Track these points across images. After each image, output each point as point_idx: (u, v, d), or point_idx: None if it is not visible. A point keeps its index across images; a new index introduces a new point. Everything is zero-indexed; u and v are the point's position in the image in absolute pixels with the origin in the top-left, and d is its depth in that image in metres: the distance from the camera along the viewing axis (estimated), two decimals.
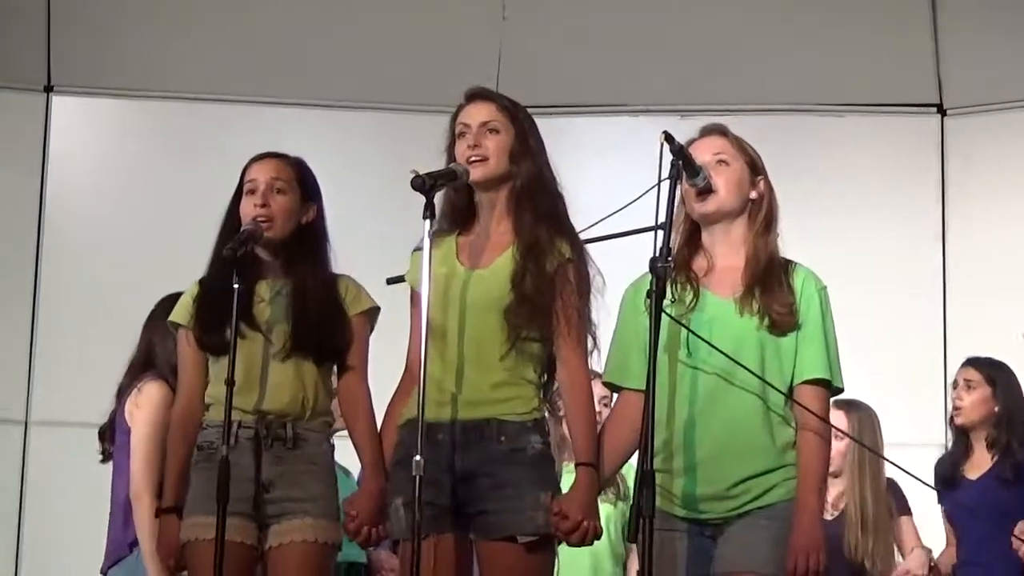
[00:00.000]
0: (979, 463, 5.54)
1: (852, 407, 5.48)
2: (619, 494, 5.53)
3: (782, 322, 3.79)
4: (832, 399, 3.90)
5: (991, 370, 5.56)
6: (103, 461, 4.93)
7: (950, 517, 5.61)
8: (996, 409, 5.50)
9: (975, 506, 5.40)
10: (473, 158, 3.86)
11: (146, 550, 4.50)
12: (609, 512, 5.32)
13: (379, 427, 4.04)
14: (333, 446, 4.26)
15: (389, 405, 3.99)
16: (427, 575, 3.65)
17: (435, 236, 3.84)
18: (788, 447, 3.79)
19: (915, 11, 7.45)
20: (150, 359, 4.82)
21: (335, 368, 4.22)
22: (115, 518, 4.81)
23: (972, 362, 5.63)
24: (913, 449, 5.87)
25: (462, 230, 3.96)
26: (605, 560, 5.53)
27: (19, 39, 7.61)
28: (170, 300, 4.80)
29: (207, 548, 3.97)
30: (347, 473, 5.01)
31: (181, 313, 4.23)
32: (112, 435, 4.85)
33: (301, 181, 4.24)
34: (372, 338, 4.24)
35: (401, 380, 3.97)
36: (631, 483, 5.47)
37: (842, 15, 7.52)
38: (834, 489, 5.46)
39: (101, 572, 4.83)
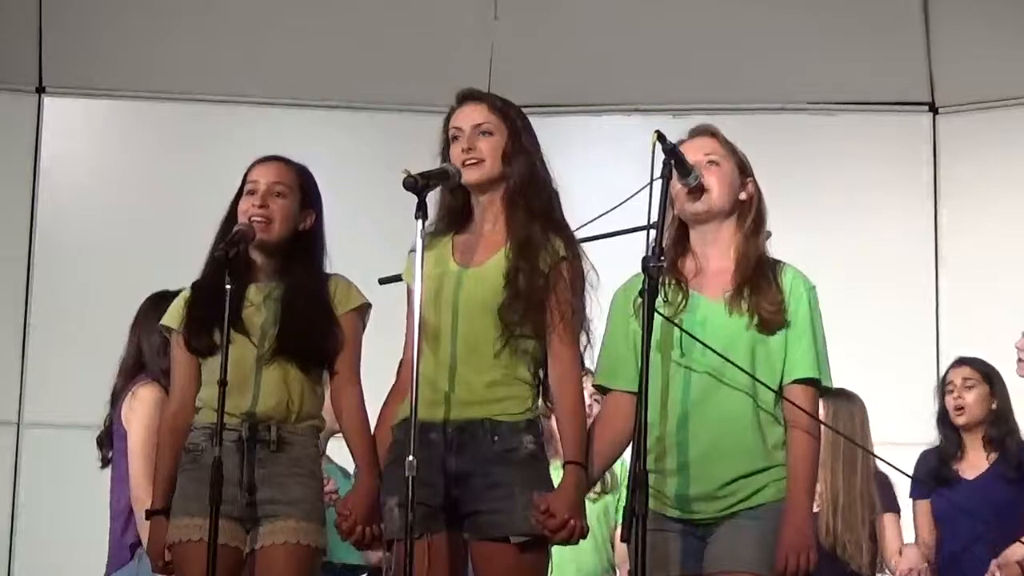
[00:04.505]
0: (975, 463, 5.54)
1: (829, 395, 5.49)
2: (604, 488, 5.54)
3: (771, 321, 3.79)
4: (834, 385, 3.90)
5: (985, 368, 5.58)
6: (103, 466, 4.92)
7: (938, 516, 5.60)
8: (994, 406, 5.52)
9: (973, 506, 5.39)
10: (468, 161, 3.86)
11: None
12: (588, 507, 5.30)
13: (373, 427, 4.04)
14: (321, 450, 4.24)
15: (383, 405, 3.99)
16: (421, 575, 3.65)
17: (431, 237, 3.85)
18: (778, 447, 3.79)
19: (907, 9, 7.46)
20: (140, 360, 4.82)
21: (326, 371, 4.20)
22: (115, 523, 4.80)
23: (965, 361, 5.65)
24: (906, 448, 5.87)
25: (458, 230, 3.96)
26: (588, 555, 5.52)
27: (10, 40, 7.61)
28: (155, 299, 4.81)
29: (191, 549, 3.98)
30: (347, 475, 5.00)
31: (173, 317, 4.22)
32: (110, 440, 4.84)
33: (302, 187, 4.23)
34: (366, 338, 4.22)
35: (396, 379, 3.97)
36: (621, 477, 5.52)
37: (834, 13, 7.53)
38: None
39: None
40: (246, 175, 4.23)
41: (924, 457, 5.67)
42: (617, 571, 5.75)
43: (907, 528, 5.76)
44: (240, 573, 4.09)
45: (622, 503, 5.68)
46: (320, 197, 4.28)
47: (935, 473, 5.56)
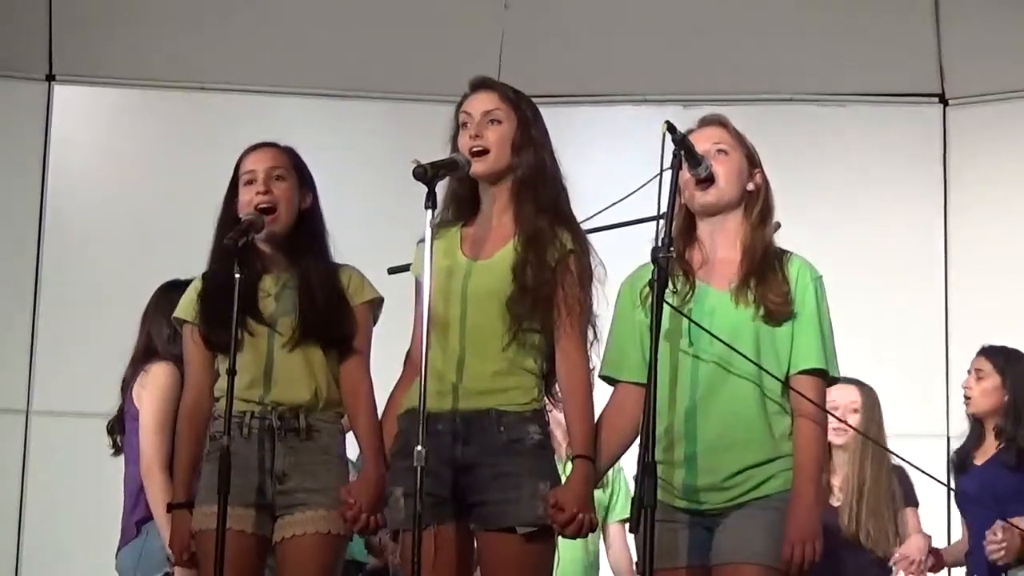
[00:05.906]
0: (987, 450, 5.56)
1: (863, 385, 5.52)
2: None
3: (777, 311, 3.79)
4: (841, 375, 3.90)
5: (1003, 360, 5.56)
6: (115, 454, 4.92)
7: (956, 501, 5.63)
8: (1005, 399, 5.52)
9: (977, 491, 5.43)
10: (475, 148, 3.86)
11: (161, 524, 4.50)
12: None
13: (380, 416, 4.04)
14: (345, 437, 4.25)
15: (391, 395, 4.00)
16: (428, 565, 3.66)
17: (439, 227, 3.86)
18: (785, 437, 3.79)
19: (918, 1, 7.44)
20: (151, 349, 4.83)
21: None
22: (127, 502, 4.82)
23: (985, 351, 5.64)
24: (915, 440, 5.87)
25: (467, 221, 3.95)
26: (572, 550, 5.43)
27: (21, 28, 7.62)
28: (165, 289, 4.82)
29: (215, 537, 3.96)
30: (355, 466, 5.00)
31: (186, 309, 4.21)
32: (122, 426, 4.85)
33: (296, 167, 4.24)
34: (375, 328, 4.22)
35: (403, 370, 3.98)
36: (612, 476, 5.51)
37: (844, 4, 7.52)
38: (841, 471, 5.49)
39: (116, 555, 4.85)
40: (239, 166, 4.22)
41: (956, 450, 5.72)
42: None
43: (931, 523, 5.78)
44: (264, 560, 4.11)
45: (616, 500, 5.67)
46: (312, 176, 4.29)
47: (958, 463, 5.60)
